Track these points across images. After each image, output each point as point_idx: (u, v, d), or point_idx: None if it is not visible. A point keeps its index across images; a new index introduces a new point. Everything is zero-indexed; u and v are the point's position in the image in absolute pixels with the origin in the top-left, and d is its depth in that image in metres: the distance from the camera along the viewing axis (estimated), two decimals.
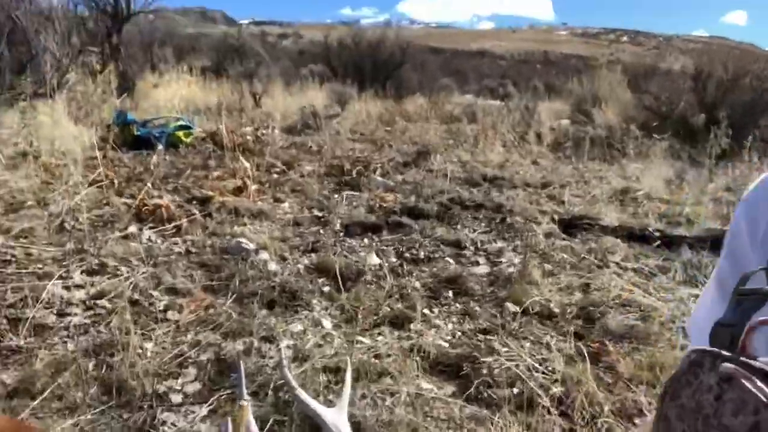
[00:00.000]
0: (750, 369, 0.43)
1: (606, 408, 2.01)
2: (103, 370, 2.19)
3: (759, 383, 0.42)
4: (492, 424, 1.91)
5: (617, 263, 3.26)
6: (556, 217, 4.17)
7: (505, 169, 6.07)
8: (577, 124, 10.12)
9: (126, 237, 3.57)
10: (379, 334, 2.59)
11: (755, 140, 6.87)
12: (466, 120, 9.47)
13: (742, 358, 0.45)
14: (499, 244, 3.81)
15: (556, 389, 2.09)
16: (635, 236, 3.72)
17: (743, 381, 0.42)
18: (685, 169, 6.44)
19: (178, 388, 2.11)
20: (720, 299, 0.62)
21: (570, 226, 4.01)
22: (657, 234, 3.71)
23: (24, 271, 3.00)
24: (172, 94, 10.90)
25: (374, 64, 15.32)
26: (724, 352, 0.46)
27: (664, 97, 9.97)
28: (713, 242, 3.47)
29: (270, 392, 2.04)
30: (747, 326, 0.48)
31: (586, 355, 2.23)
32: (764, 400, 0.41)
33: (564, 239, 3.79)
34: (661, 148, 7.11)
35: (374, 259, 3.48)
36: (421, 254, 3.60)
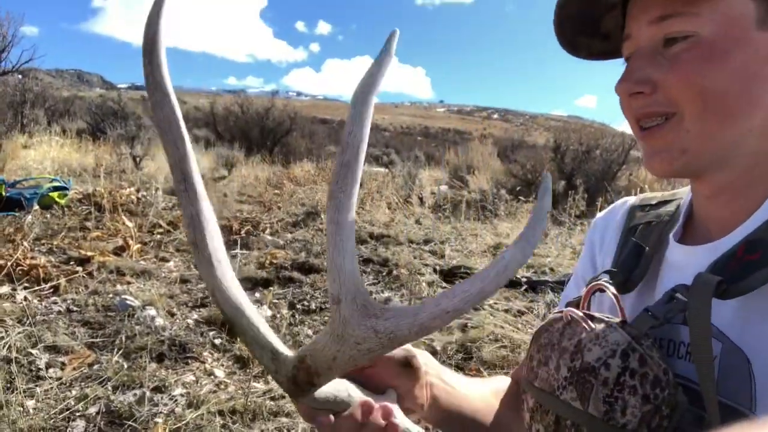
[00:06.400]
0: (584, 315, 0.66)
1: None
2: None
3: (588, 322, 0.65)
4: None
5: (491, 305, 3.60)
6: (437, 268, 4.50)
7: (391, 227, 6.40)
8: (454, 189, 10.92)
9: None
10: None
11: (606, 202, 7.91)
12: None
13: (582, 311, 0.69)
14: (387, 293, 4.04)
15: None
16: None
17: (579, 320, 0.66)
18: (548, 227, 7.18)
19: None
20: (575, 287, 0.92)
21: (449, 275, 4.35)
22: (524, 280, 4.14)
23: None
24: (42, 156, 10.32)
25: (262, 131, 15.54)
26: (572, 309, 0.70)
27: (529, 165, 11.11)
28: None
29: None
30: (584, 293, 0.75)
31: None
32: (587, 328, 0.65)
33: (444, 287, 4.10)
34: (527, 209, 7.88)
35: (266, 311, 3.55)
36: (313, 305, 3.72)
